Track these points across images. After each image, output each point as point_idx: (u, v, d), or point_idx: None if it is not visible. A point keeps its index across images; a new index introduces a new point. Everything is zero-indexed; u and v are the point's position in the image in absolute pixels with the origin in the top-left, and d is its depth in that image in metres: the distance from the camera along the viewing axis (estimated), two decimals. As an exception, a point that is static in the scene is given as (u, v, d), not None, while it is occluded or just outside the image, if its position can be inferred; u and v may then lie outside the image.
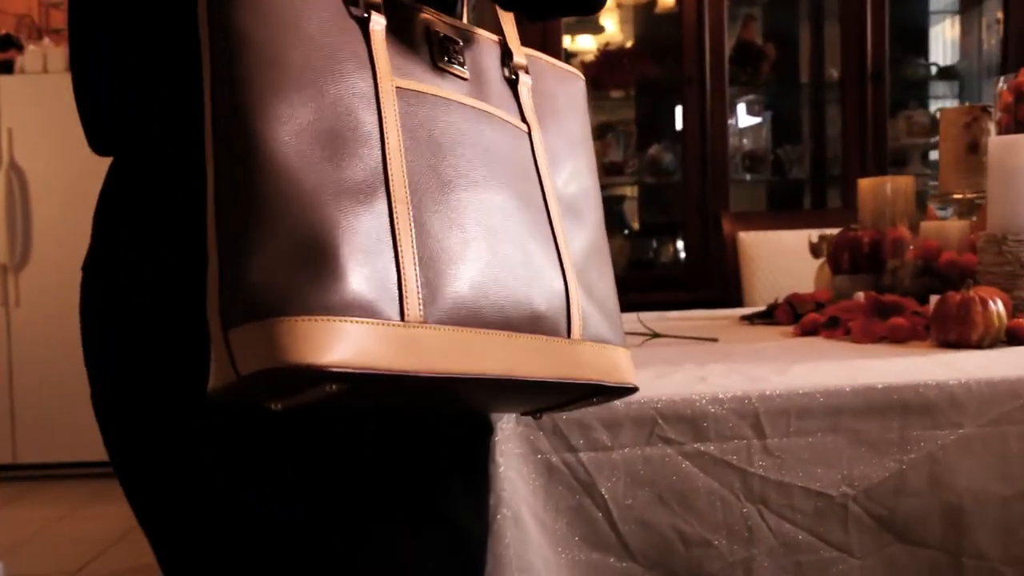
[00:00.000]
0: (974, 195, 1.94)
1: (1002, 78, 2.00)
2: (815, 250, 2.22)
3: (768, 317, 1.97)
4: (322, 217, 0.64)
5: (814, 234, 2.25)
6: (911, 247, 1.82)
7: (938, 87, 3.89)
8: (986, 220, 1.83)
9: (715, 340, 1.70)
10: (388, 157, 0.70)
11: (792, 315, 1.93)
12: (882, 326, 1.62)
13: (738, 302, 2.52)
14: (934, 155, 3.76)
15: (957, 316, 1.47)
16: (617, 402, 1.13)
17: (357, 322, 0.63)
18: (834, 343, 1.62)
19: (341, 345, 0.61)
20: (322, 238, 0.63)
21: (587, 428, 1.17)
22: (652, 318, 2.16)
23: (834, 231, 2.26)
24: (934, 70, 3.78)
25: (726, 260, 2.53)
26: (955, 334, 1.48)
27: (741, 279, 2.52)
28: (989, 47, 3.73)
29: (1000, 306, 1.48)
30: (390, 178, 0.69)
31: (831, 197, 3.71)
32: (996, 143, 1.67)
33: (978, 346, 1.47)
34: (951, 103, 3.78)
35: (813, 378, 1.27)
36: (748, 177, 3.58)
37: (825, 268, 2.18)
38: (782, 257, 2.54)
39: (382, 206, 0.68)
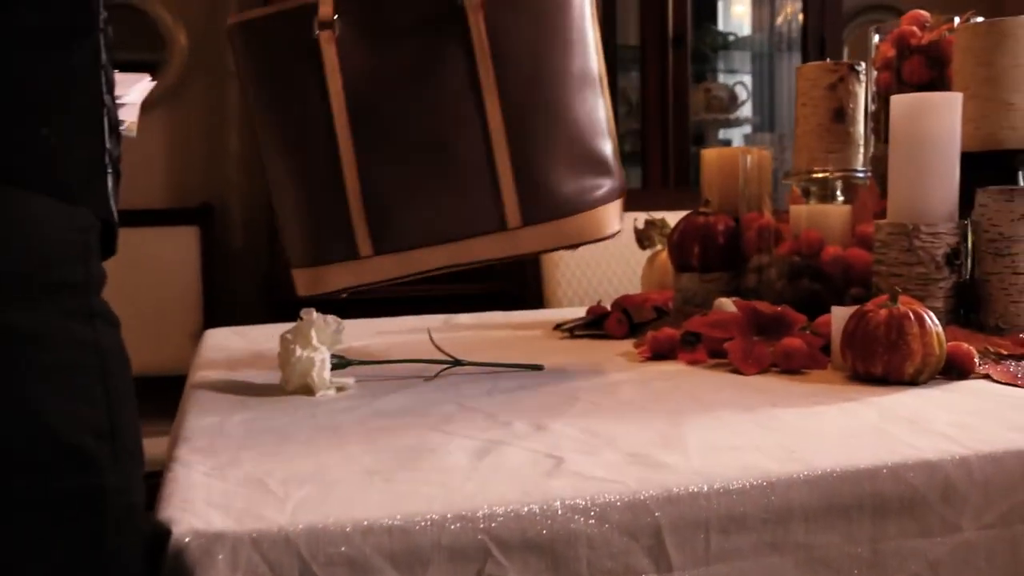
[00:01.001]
0: (841, 173, 1.54)
1: (873, 28, 1.62)
2: (642, 238, 1.77)
3: (595, 327, 1.50)
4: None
5: (639, 218, 1.80)
6: (781, 238, 1.40)
7: (733, 58, 3.58)
8: (874, 205, 1.43)
9: (540, 368, 1.20)
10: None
11: (628, 325, 1.47)
12: (766, 349, 1.17)
13: (538, 298, 2.07)
14: (728, 133, 3.45)
15: (886, 341, 1.04)
16: (420, 522, 0.63)
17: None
18: (708, 374, 1.16)
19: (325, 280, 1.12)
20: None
21: (366, 571, 0.64)
22: (436, 323, 1.65)
23: (660, 215, 1.82)
24: (732, 39, 3.46)
25: (524, 247, 2.07)
26: (882, 365, 1.05)
27: (541, 271, 2.06)
28: (785, 18, 3.46)
29: (939, 327, 1.06)
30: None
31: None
32: (901, 103, 1.27)
33: (912, 382, 1.05)
34: (746, 77, 3.49)
35: (727, 455, 0.79)
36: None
37: (657, 263, 1.74)
38: (592, 244, 2.09)
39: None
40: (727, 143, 3.40)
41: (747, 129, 3.39)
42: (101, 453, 0.63)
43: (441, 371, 1.17)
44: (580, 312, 1.69)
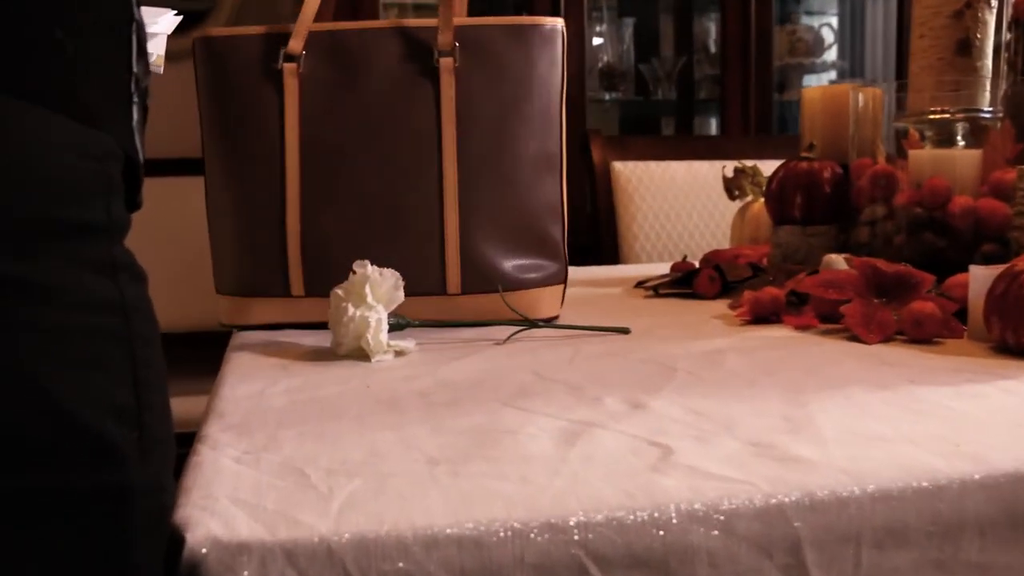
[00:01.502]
0: (965, 114, 1.35)
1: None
2: (732, 187, 1.61)
3: (683, 286, 1.34)
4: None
5: (728, 166, 1.63)
6: (901, 187, 1.22)
7: (812, 2, 3.35)
8: (1009, 150, 1.24)
9: (627, 331, 1.05)
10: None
11: (720, 284, 1.31)
12: (889, 314, 1.01)
13: (613, 253, 1.91)
14: (812, 80, 3.23)
15: (1047, 306, 0.87)
16: (500, 531, 0.49)
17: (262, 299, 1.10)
18: (822, 341, 1.00)
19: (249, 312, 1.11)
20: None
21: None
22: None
23: (750, 163, 1.65)
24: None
25: (596, 197, 1.91)
26: (1039, 336, 0.88)
27: (617, 223, 1.90)
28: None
29: (1108, 289, 0.89)
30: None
31: (697, 124, 3.15)
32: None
33: (1075, 356, 0.88)
34: (832, 19, 3.26)
35: (876, 449, 0.64)
36: (607, 96, 2.96)
37: (749, 214, 1.57)
38: (671, 195, 1.93)
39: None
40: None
41: (832, 75, 3.17)
42: (126, 442, 0.50)
43: (515, 334, 1.02)
44: (662, 268, 1.54)
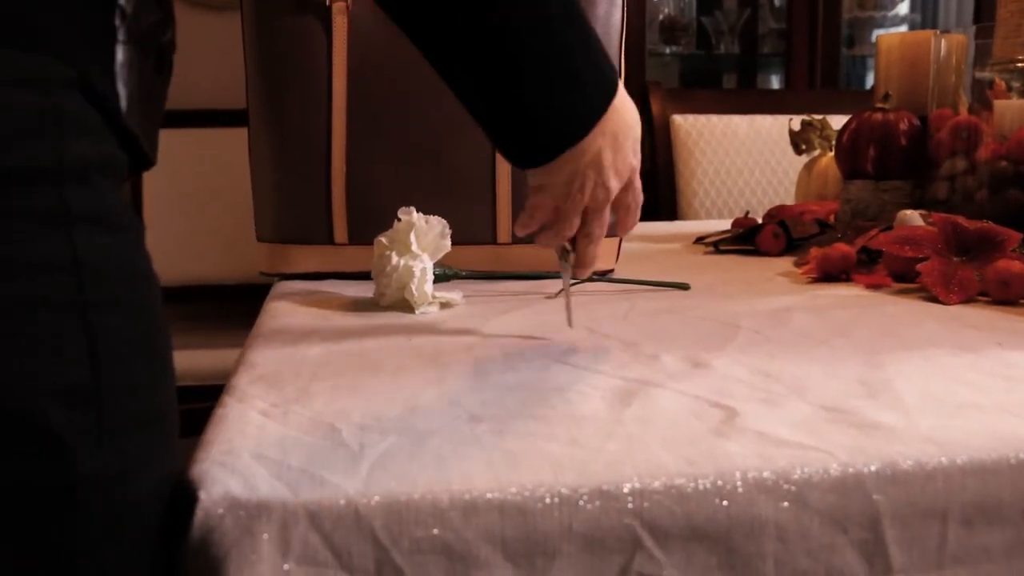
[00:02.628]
0: (1056, 63, 1.26)
1: None
2: (799, 141, 1.53)
3: (745, 242, 1.27)
4: None
5: (795, 119, 1.55)
6: (986, 138, 1.14)
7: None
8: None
9: (686, 287, 0.99)
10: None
11: (785, 240, 1.24)
12: (971, 273, 0.94)
13: (671, 209, 1.84)
14: (880, 33, 3.09)
15: None
16: (545, 497, 0.43)
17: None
18: (897, 301, 0.93)
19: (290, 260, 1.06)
20: None
21: (468, 564, 0.46)
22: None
23: (818, 116, 1.57)
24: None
25: (655, 151, 1.83)
26: None
27: (676, 178, 1.83)
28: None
29: None
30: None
31: (760, 80, 3.04)
32: None
33: None
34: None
35: (965, 416, 0.57)
36: (668, 50, 2.87)
37: (816, 169, 1.49)
38: (733, 150, 1.85)
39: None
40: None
41: (903, 29, 3.04)
42: (75, 428, 0.42)
43: (561, 291, 0.97)
44: (723, 225, 1.47)
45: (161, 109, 0.56)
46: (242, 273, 2.53)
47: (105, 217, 0.46)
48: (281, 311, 0.90)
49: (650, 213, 1.81)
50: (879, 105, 1.27)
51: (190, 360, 2.20)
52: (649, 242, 1.38)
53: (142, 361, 0.47)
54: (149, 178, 2.56)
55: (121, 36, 0.49)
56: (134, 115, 0.50)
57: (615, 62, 1.07)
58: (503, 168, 1.04)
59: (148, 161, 0.52)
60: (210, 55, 2.66)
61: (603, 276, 1.04)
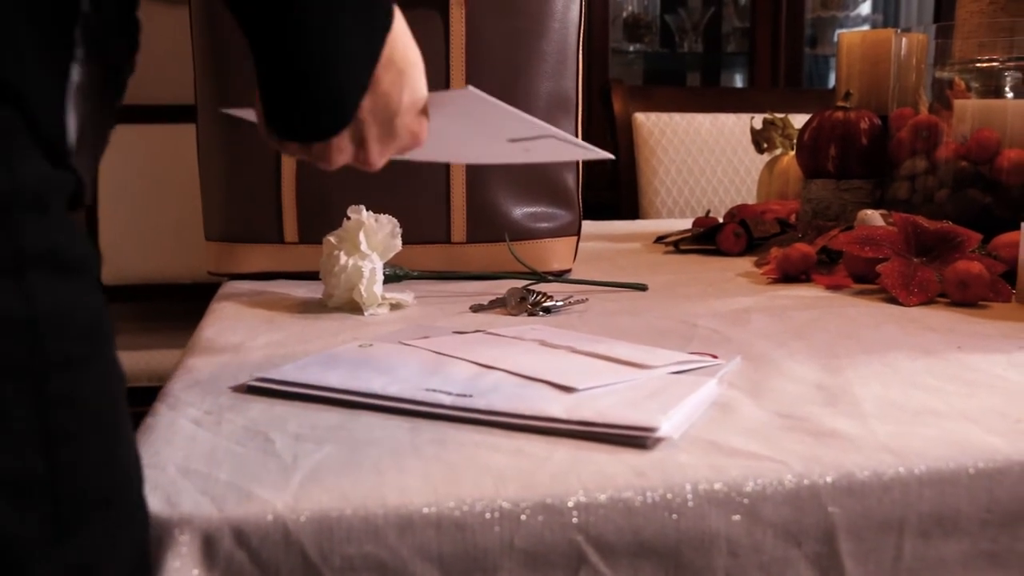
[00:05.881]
0: (1016, 63, 1.25)
1: None
2: (760, 140, 1.51)
3: (705, 241, 1.26)
4: None
5: (757, 118, 1.54)
6: (946, 138, 1.13)
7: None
8: (1064, 99, 1.15)
9: (643, 288, 0.97)
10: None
11: (746, 240, 1.23)
12: (931, 274, 0.92)
13: (633, 208, 1.82)
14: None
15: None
16: (485, 512, 0.41)
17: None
18: (856, 302, 0.91)
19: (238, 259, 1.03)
20: None
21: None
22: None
23: (780, 115, 1.55)
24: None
25: (617, 149, 1.82)
26: (1099, 300, 0.79)
27: (638, 176, 1.81)
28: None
29: None
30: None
31: (724, 79, 3.03)
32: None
33: None
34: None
35: (924, 423, 0.56)
36: (632, 48, 2.85)
37: (778, 168, 1.48)
38: (696, 149, 1.83)
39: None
40: (842, 46, 3.06)
41: (866, 28, 3.04)
42: (24, 528, 0.35)
43: (518, 288, 0.95)
44: (684, 224, 1.46)
45: (106, 143, 0.49)
46: (195, 272, 2.49)
47: (64, 256, 0.38)
48: (225, 313, 0.87)
49: (611, 212, 1.80)
50: (840, 104, 1.26)
51: (140, 361, 2.16)
52: (608, 241, 1.36)
53: (102, 432, 0.39)
54: (103, 174, 2.51)
55: (80, 51, 0.42)
56: (83, 154, 0.43)
57: (573, 58, 1.05)
58: (457, 164, 1.01)
59: (82, 201, 0.43)
60: (161, 50, 2.62)
61: (559, 276, 1.02)
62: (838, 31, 3.02)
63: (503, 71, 1.02)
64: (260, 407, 0.58)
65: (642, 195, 1.84)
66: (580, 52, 1.07)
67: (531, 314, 0.85)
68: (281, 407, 0.58)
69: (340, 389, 0.59)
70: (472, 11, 1.01)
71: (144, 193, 2.52)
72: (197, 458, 0.49)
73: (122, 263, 2.50)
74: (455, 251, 1.02)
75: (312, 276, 0.99)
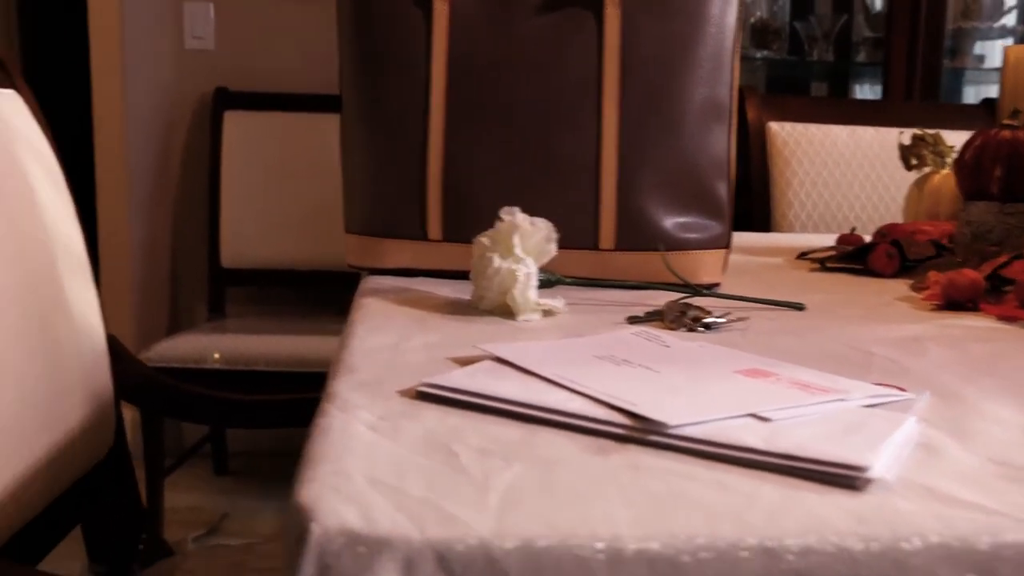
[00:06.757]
0: None
1: None
2: (909, 156, 1.45)
3: (854, 260, 1.20)
4: None
5: (905, 133, 1.47)
6: None
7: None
8: None
9: (801, 307, 0.92)
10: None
11: (899, 262, 1.17)
12: (1119, 308, 0.86)
13: (764, 220, 1.77)
14: (985, 47, 2.98)
15: None
16: (699, 555, 0.37)
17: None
18: (1037, 336, 0.86)
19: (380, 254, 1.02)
20: None
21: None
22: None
23: (932, 132, 1.48)
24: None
25: (750, 158, 1.77)
26: None
27: (770, 187, 1.76)
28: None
29: None
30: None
31: (853, 91, 2.94)
32: None
33: None
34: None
35: None
36: (759, 54, 2.78)
37: (928, 187, 1.41)
38: (832, 162, 1.77)
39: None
40: (980, 59, 2.94)
41: (1009, 41, 2.92)
42: None
43: (675, 300, 0.91)
44: (823, 240, 1.40)
45: None
46: (310, 259, 2.51)
47: None
48: (373, 310, 0.85)
49: (742, 222, 1.74)
50: (1007, 122, 1.19)
51: (253, 345, 2.18)
52: (748, 254, 1.31)
53: None
54: (227, 160, 2.55)
55: None
56: None
57: (728, 64, 1.01)
58: (608, 169, 0.98)
59: None
60: (286, 40, 2.65)
61: (710, 290, 0.98)
62: (979, 43, 2.90)
63: (657, 75, 0.99)
64: (434, 415, 0.56)
65: (775, 207, 1.78)
66: (736, 56, 1.03)
67: (690, 330, 0.81)
68: (455, 416, 0.56)
69: (517, 402, 0.56)
70: (627, 12, 0.98)
71: (266, 179, 2.55)
72: (383, 469, 0.47)
73: (241, 247, 2.54)
74: (602, 258, 0.99)
75: (454, 275, 0.98)
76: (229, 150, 2.53)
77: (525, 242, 0.84)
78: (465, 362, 0.67)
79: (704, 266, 1.01)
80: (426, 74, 0.99)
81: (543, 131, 0.98)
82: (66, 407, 1.05)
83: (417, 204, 1.00)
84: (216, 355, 2.13)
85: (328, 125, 2.59)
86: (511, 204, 0.87)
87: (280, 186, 2.52)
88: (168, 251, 2.71)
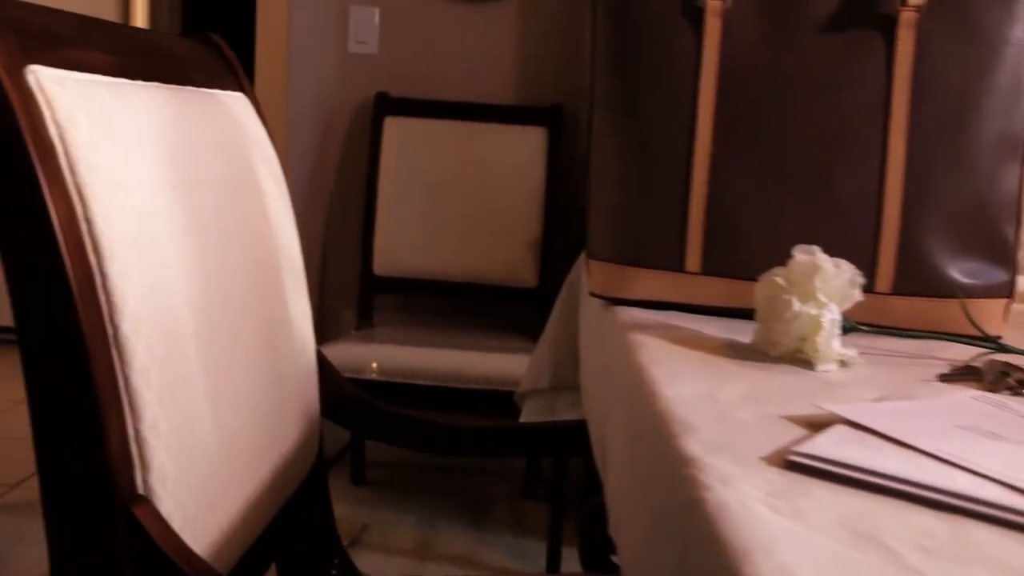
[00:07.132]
0: None
1: None
2: None
3: None
4: None
5: None
6: None
7: None
8: None
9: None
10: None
11: None
12: None
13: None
14: None
15: None
16: None
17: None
18: None
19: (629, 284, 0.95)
20: None
21: None
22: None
23: None
24: None
25: None
26: None
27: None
28: None
29: None
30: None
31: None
32: None
33: None
34: None
35: None
36: None
37: None
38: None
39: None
40: None
41: None
42: None
43: (980, 356, 0.82)
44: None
45: None
46: (468, 271, 2.47)
47: None
48: (651, 349, 0.78)
49: None
50: None
51: (421, 358, 2.14)
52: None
53: None
54: (384, 166, 2.53)
55: None
56: None
57: None
58: (892, 205, 0.90)
59: None
60: (454, 47, 2.62)
61: (1008, 344, 0.88)
62: None
63: (952, 104, 0.90)
64: (824, 493, 0.48)
65: None
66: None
67: (1015, 393, 0.72)
68: (847, 495, 0.48)
69: (924, 485, 0.48)
70: (923, 33, 0.90)
71: (423, 186, 2.52)
72: (824, 563, 0.40)
73: (395, 254, 2.51)
74: (877, 302, 0.91)
75: (709, 311, 0.91)
76: (388, 156, 2.50)
77: (827, 285, 0.76)
78: (808, 423, 0.59)
79: (986, 315, 0.92)
80: (693, 93, 0.92)
81: (820, 161, 0.91)
82: (285, 424, 1.01)
83: (676, 233, 0.93)
84: (374, 364, 2.10)
85: (488, 135, 2.56)
86: (778, 238, 0.79)
87: (437, 195, 2.48)
88: (319, 256, 2.70)
